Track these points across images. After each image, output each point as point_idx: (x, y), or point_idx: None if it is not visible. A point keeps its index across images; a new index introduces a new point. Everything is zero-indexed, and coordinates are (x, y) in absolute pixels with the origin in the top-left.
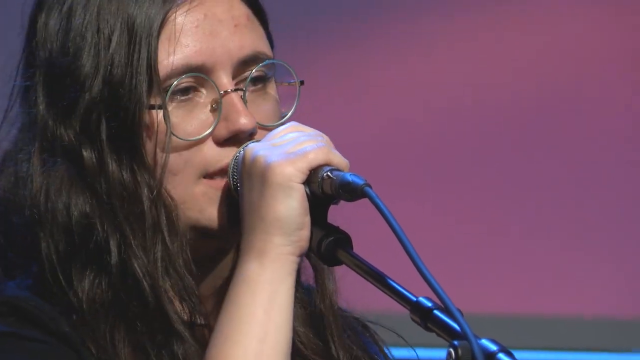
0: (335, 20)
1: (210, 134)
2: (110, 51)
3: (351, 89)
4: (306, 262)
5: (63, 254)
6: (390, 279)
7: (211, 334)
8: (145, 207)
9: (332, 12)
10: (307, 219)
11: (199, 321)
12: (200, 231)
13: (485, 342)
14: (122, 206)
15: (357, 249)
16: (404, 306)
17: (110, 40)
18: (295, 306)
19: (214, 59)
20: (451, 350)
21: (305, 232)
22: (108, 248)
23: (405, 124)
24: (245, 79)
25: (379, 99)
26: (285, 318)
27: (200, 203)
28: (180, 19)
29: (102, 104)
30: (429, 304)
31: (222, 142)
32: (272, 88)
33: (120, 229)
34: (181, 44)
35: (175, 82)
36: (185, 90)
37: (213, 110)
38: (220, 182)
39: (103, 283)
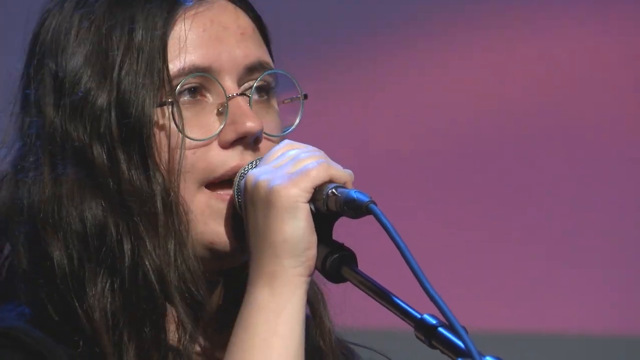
0: (339, 34)
1: (217, 136)
2: (120, 52)
3: (352, 98)
4: None
5: (77, 261)
6: (395, 296)
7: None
8: (158, 205)
9: (334, 24)
10: (314, 238)
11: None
12: (207, 247)
13: None
14: (134, 205)
15: (361, 265)
16: (409, 323)
17: (119, 41)
18: None
19: (219, 63)
20: None
21: (313, 252)
22: (122, 248)
23: (407, 132)
24: (250, 87)
25: (379, 108)
26: (298, 342)
27: (205, 216)
28: (188, 22)
29: (113, 103)
30: (434, 322)
31: (227, 146)
32: (275, 102)
33: (133, 228)
34: (188, 46)
35: (183, 81)
36: (192, 91)
37: (219, 114)
38: (224, 195)
39: (115, 286)
